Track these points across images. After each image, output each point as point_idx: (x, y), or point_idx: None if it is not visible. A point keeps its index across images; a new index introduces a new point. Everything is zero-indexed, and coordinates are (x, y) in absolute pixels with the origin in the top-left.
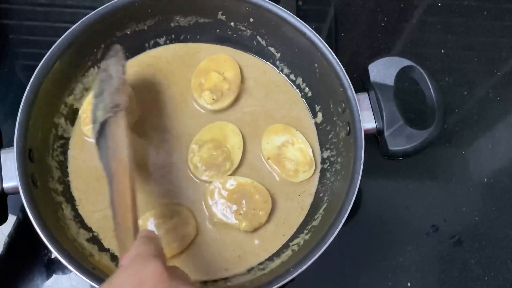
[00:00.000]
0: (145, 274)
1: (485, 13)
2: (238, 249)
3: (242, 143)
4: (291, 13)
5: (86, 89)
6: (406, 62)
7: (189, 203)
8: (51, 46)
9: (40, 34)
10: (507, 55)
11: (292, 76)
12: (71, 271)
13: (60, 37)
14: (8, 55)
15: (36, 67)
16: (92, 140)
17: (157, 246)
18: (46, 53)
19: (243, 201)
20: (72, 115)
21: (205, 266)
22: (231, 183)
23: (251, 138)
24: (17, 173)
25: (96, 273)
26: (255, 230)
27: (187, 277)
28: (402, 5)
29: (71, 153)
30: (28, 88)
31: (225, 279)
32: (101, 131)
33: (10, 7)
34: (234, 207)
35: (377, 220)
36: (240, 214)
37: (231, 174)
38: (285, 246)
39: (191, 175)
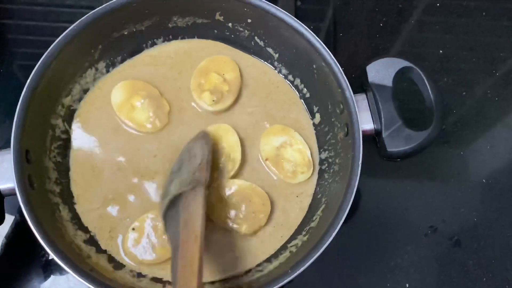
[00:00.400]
0: None
1: (484, 13)
2: (235, 250)
3: (238, 140)
4: (289, 14)
5: (84, 90)
6: (404, 63)
7: None
8: (49, 46)
9: (38, 34)
10: (506, 55)
11: (290, 77)
12: (68, 272)
13: (58, 37)
14: (6, 55)
15: (35, 67)
16: (92, 136)
17: None
18: (44, 53)
19: (243, 205)
20: (69, 116)
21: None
22: (230, 187)
23: (249, 139)
24: (14, 174)
25: (93, 275)
26: (255, 232)
27: None
28: (400, 6)
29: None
30: (25, 89)
31: (223, 280)
32: (172, 204)
33: (8, 7)
34: (234, 211)
35: (375, 221)
36: (240, 218)
37: (234, 173)
38: (283, 247)
39: None
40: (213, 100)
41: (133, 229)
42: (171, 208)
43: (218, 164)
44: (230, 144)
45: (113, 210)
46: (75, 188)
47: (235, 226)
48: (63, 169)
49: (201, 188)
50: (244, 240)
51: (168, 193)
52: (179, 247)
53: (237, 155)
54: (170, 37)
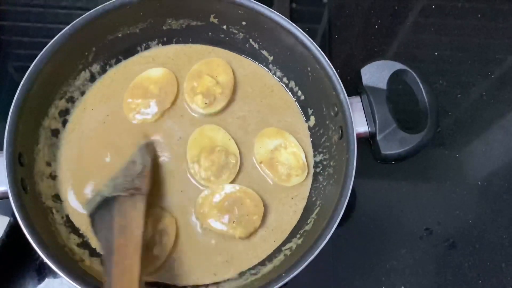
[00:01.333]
0: None
1: (479, 15)
2: (224, 254)
3: (229, 135)
4: (283, 16)
5: (77, 93)
6: (398, 66)
7: (177, 208)
8: (44, 47)
9: (33, 35)
10: (501, 57)
11: (285, 80)
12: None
13: (53, 38)
14: (0, 56)
15: (28, 70)
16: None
17: None
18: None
19: (235, 208)
20: (63, 119)
21: (192, 271)
22: (220, 192)
23: (244, 142)
24: (6, 177)
25: (86, 279)
26: (250, 235)
27: None
28: (396, 7)
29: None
30: (17, 92)
31: (216, 283)
32: (103, 205)
33: (2, 8)
34: (227, 216)
35: (370, 223)
36: (234, 221)
37: (239, 166)
38: (278, 250)
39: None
40: (206, 103)
41: None
42: (102, 208)
43: (220, 163)
44: (223, 142)
45: None
46: (63, 189)
47: (230, 230)
48: (56, 172)
49: (142, 197)
50: (238, 243)
51: (99, 193)
52: (113, 252)
53: (235, 149)
54: (165, 39)
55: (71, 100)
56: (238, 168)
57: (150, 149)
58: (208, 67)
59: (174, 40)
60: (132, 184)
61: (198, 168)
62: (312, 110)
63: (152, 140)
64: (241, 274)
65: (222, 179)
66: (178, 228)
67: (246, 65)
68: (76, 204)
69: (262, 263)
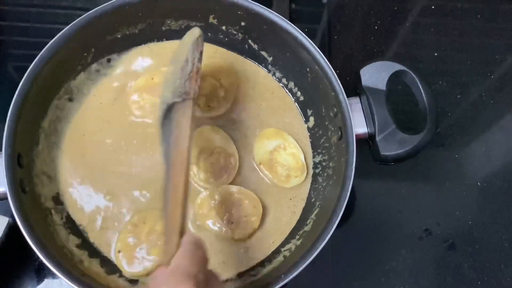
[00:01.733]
0: None
1: (478, 15)
2: (221, 255)
3: (228, 136)
4: (282, 17)
5: (76, 93)
6: (398, 67)
7: None
8: (44, 48)
9: (33, 35)
10: (501, 58)
11: (284, 80)
12: None
13: (53, 38)
14: (0, 57)
15: (27, 71)
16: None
17: (199, 259)
18: (36, 57)
19: (233, 210)
20: (62, 119)
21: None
22: (219, 194)
23: (243, 143)
24: (5, 178)
25: (85, 280)
26: (249, 236)
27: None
28: (395, 8)
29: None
30: (16, 92)
31: None
32: (167, 113)
33: (2, 8)
34: (225, 217)
35: (370, 224)
36: (232, 223)
37: (238, 166)
38: (276, 251)
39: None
40: (209, 106)
41: (119, 251)
42: (168, 117)
43: (219, 165)
44: (221, 143)
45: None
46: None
47: (228, 232)
48: (55, 173)
49: (190, 102)
50: (236, 244)
51: (163, 100)
52: (171, 167)
53: (233, 149)
54: (164, 40)
55: (71, 100)
56: (236, 169)
57: (199, 43)
58: (211, 69)
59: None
60: (184, 87)
61: (197, 170)
62: (311, 111)
63: (197, 28)
64: (240, 275)
65: (221, 180)
66: None
67: (247, 66)
68: (77, 196)
69: (261, 264)
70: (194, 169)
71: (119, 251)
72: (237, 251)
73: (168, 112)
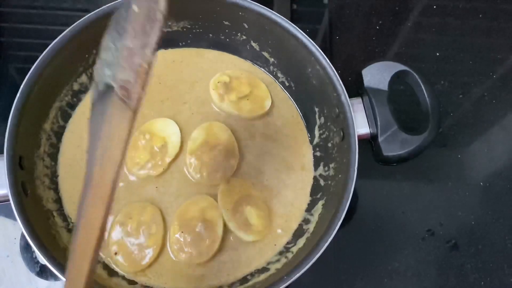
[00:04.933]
0: None
1: (480, 15)
2: (230, 256)
3: (233, 136)
4: (284, 18)
5: (78, 95)
6: (400, 67)
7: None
8: (45, 49)
9: (34, 37)
10: (503, 57)
11: (286, 81)
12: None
13: (54, 40)
14: (1, 58)
15: (28, 73)
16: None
17: None
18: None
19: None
20: (63, 122)
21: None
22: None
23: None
24: (7, 181)
25: None
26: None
27: None
28: (397, 8)
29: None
30: (18, 94)
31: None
32: (102, 96)
33: (3, 10)
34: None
35: (372, 224)
36: (247, 225)
37: (237, 167)
38: (279, 253)
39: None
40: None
41: (115, 253)
42: (101, 101)
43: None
44: (226, 142)
45: None
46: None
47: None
48: (56, 175)
49: (131, 114)
50: (239, 246)
51: (100, 80)
52: (91, 181)
53: (235, 151)
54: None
55: (72, 102)
56: (234, 170)
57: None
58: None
59: (173, 42)
60: (127, 76)
61: (194, 159)
62: (313, 111)
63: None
64: (243, 277)
65: (214, 180)
66: None
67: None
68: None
69: (264, 266)
70: (191, 159)
71: (115, 253)
72: (240, 253)
73: (105, 96)
